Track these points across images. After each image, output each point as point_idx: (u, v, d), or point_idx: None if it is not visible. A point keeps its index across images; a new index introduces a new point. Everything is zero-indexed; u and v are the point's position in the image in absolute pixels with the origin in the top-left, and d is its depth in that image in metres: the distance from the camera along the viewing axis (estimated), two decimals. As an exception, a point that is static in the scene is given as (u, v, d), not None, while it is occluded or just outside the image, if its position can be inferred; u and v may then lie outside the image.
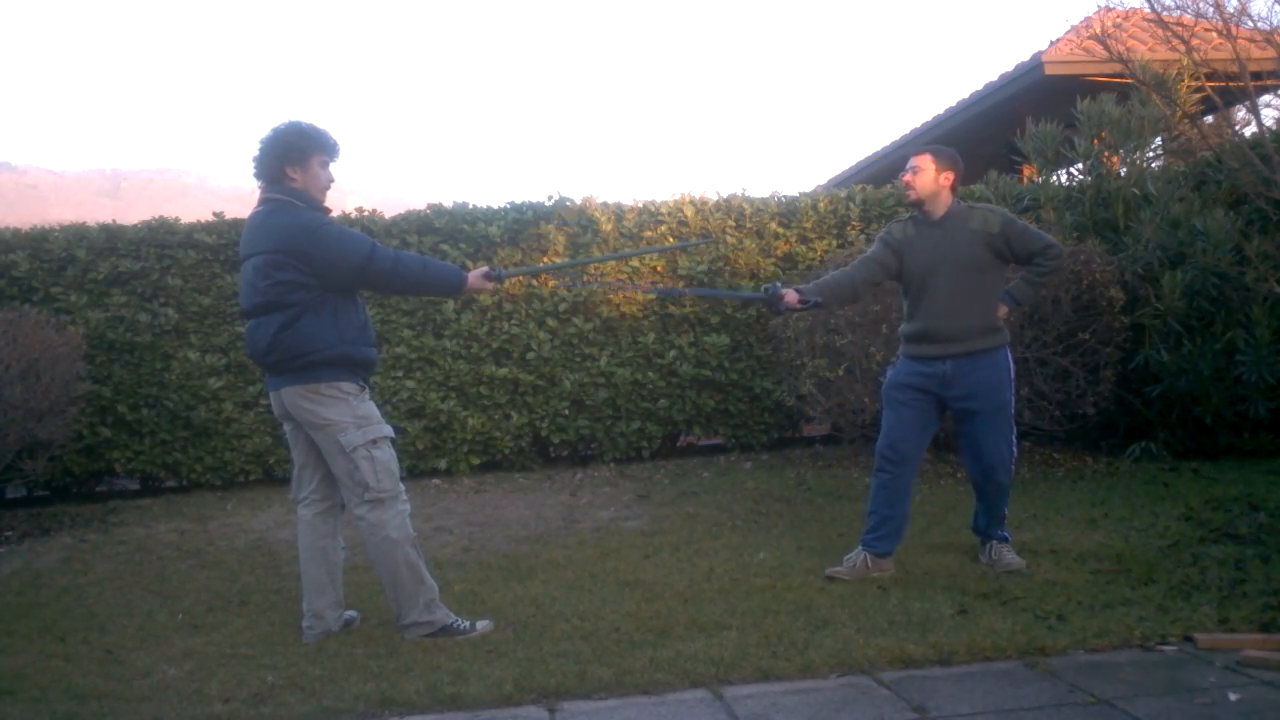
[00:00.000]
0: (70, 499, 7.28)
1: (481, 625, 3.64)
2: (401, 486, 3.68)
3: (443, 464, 7.29)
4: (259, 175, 3.63)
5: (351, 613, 3.88)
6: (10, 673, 3.41)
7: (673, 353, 7.44)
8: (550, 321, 7.38)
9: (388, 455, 3.63)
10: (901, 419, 4.15)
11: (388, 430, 3.67)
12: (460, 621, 3.63)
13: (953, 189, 4.11)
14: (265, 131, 3.65)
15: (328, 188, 3.68)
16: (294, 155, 3.59)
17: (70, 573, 4.96)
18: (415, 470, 7.26)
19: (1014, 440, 4.17)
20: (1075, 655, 3.15)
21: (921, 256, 4.08)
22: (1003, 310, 4.10)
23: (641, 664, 3.17)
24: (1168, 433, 6.38)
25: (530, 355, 7.31)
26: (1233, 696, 2.77)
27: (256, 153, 3.63)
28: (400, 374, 7.27)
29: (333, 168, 3.72)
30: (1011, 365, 4.15)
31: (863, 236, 7.61)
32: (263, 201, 3.65)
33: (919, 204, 4.10)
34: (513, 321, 7.36)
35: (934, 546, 4.53)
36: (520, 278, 7.39)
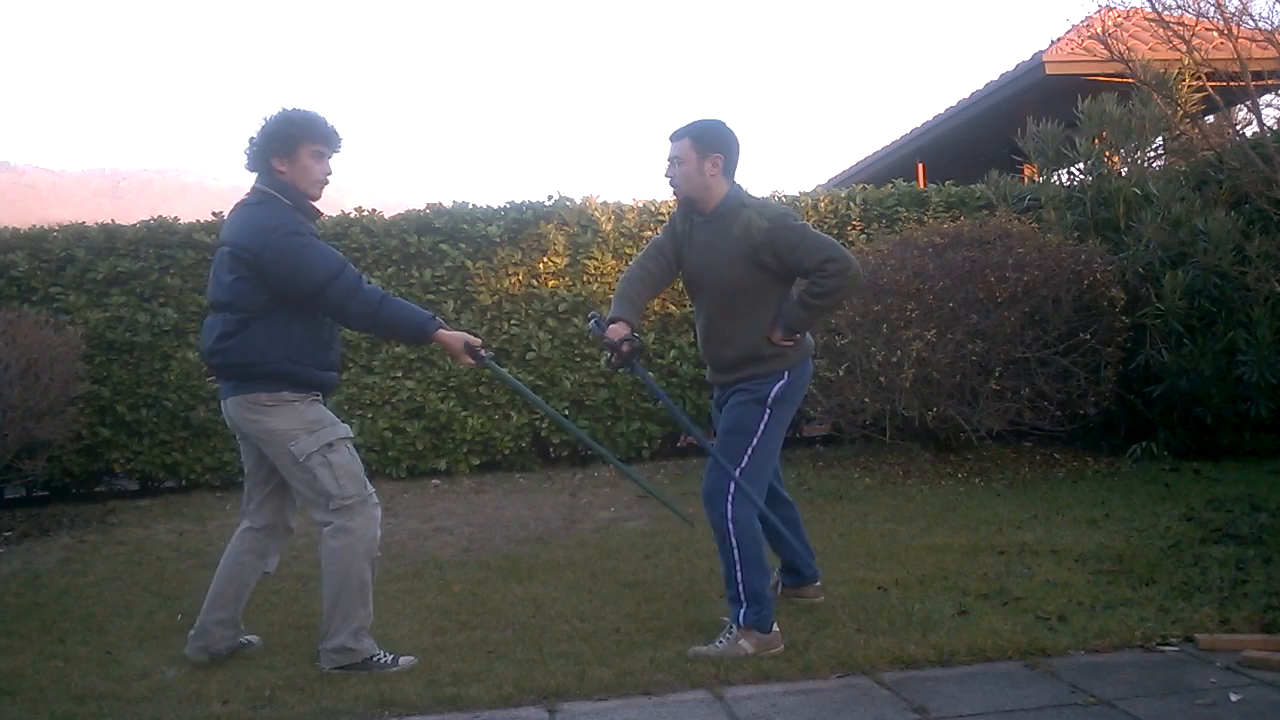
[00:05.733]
0: (69, 499, 7.26)
1: (405, 661, 3.32)
2: (370, 489, 3.39)
3: (443, 464, 7.28)
4: (249, 168, 3.39)
5: (251, 638, 3.59)
6: (9, 673, 3.40)
7: (673, 353, 7.43)
8: (550, 321, 7.37)
9: (346, 458, 3.34)
10: None
11: (344, 430, 3.38)
12: (384, 655, 3.32)
13: (728, 173, 3.37)
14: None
15: (322, 181, 3.39)
16: (279, 146, 3.31)
17: (69, 573, 4.95)
18: (415, 470, 7.26)
19: (731, 484, 3.29)
20: (1076, 656, 3.14)
21: (691, 261, 3.47)
22: (776, 334, 3.36)
23: (642, 665, 3.16)
24: (1169, 433, 6.38)
25: (530, 355, 7.30)
26: (1234, 697, 2.76)
27: (247, 145, 3.38)
28: (400, 374, 7.27)
29: (333, 160, 3.41)
30: (774, 390, 3.35)
31: (863, 236, 7.61)
32: (250, 192, 3.41)
33: (689, 202, 3.44)
34: (512, 321, 7.36)
35: (934, 547, 4.52)
36: (520, 277, 7.39)
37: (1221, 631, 3.24)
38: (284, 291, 3.25)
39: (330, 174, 3.41)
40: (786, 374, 3.38)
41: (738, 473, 3.31)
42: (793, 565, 3.76)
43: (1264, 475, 5.64)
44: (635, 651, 3.29)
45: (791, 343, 3.38)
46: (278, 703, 3.03)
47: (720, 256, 3.34)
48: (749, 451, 3.34)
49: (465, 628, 3.71)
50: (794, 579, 3.78)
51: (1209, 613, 3.40)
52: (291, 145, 3.31)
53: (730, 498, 3.31)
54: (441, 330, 3.35)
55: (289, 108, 3.40)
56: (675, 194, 3.46)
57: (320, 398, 3.42)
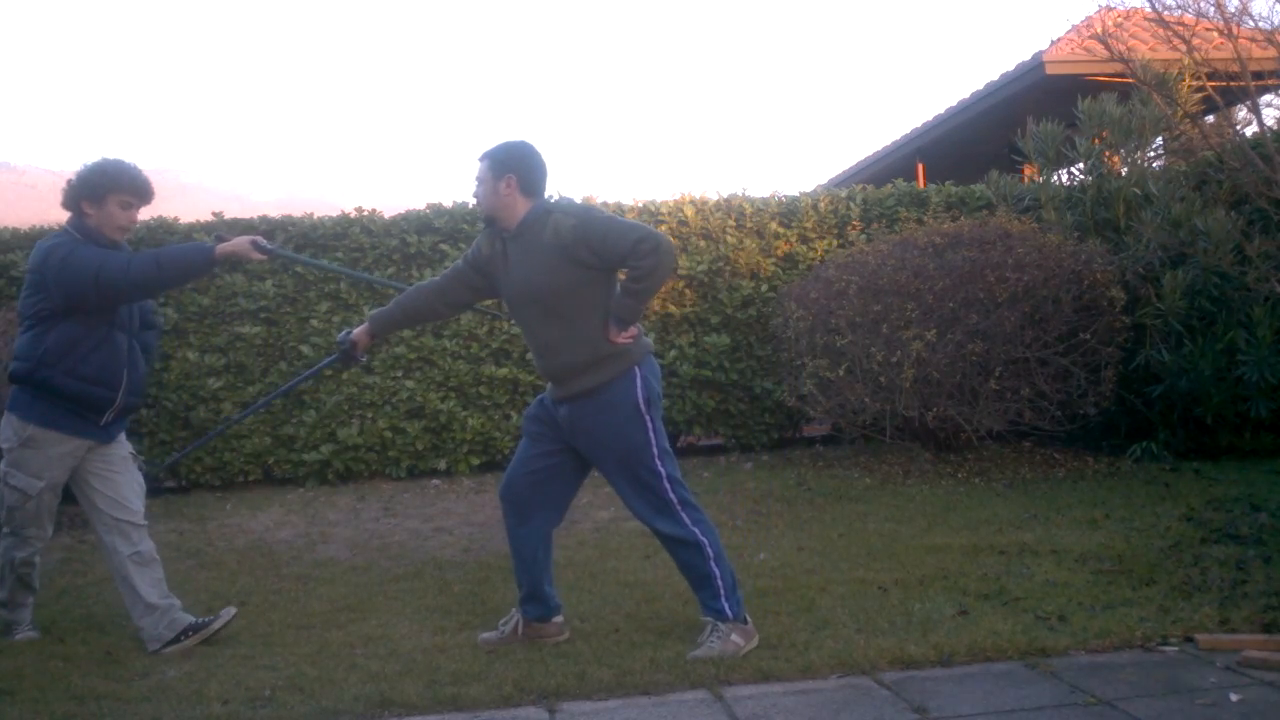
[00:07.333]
0: (69, 499, 7.23)
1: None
2: (12, 531, 3.77)
3: (443, 464, 7.28)
4: (63, 207, 3.71)
5: (204, 619, 3.73)
6: (10, 673, 3.40)
7: (673, 353, 7.43)
8: (550, 321, 7.37)
9: (7, 497, 3.71)
10: (521, 454, 3.55)
11: (29, 473, 3.69)
12: None
13: (525, 192, 3.40)
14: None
15: (126, 228, 3.71)
16: (89, 193, 3.64)
17: (69, 573, 4.95)
18: (415, 470, 7.26)
19: (667, 486, 3.32)
20: (1076, 656, 3.14)
21: (505, 279, 3.45)
22: (613, 332, 3.30)
23: (641, 664, 3.16)
24: (1169, 433, 6.38)
25: (530, 355, 7.30)
26: (1234, 697, 2.76)
27: (65, 186, 3.71)
28: (400, 374, 7.27)
29: (141, 211, 3.75)
30: (640, 392, 3.32)
31: (863, 236, 7.62)
32: (57, 229, 3.75)
33: (490, 220, 3.50)
34: (513, 321, 7.35)
35: (934, 547, 4.52)
36: None
37: (1221, 631, 3.24)
38: (70, 295, 3.54)
39: (135, 223, 3.79)
40: (638, 370, 3.34)
41: (665, 481, 3.32)
42: (538, 592, 3.48)
43: (1264, 475, 5.64)
44: (635, 651, 3.29)
45: (630, 339, 3.33)
46: (278, 703, 3.03)
47: (537, 265, 3.32)
48: (655, 458, 3.31)
49: (465, 628, 3.71)
50: (538, 610, 3.49)
51: (1209, 613, 3.40)
52: (100, 193, 3.64)
53: (676, 506, 3.32)
54: (221, 246, 3.62)
55: (110, 159, 3.73)
56: (480, 212, 3.51)
57: (58, 430, 3.65)
